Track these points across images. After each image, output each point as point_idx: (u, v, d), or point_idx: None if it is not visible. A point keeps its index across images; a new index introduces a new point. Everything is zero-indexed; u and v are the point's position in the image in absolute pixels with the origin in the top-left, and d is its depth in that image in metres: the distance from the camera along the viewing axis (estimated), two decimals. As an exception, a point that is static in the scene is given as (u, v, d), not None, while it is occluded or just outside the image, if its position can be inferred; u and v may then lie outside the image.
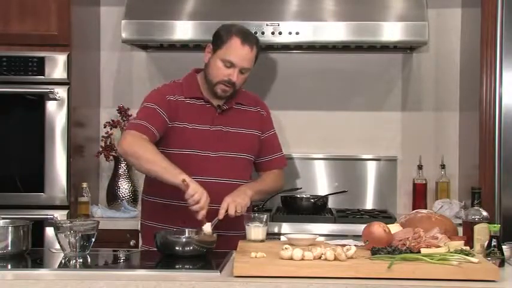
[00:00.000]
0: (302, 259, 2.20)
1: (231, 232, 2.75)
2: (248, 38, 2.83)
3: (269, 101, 3.37)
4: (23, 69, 3.60)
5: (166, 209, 2.84)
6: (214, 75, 2.83)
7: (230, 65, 2.80)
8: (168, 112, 2.83)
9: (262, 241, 2.58)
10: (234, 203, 2.68)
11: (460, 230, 2.64)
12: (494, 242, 2.33)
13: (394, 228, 2.50)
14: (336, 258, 2.20)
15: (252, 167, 3.02)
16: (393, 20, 3.63)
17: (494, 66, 3.49)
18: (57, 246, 2.46)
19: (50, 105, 3.60)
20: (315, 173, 4.05)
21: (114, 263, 2.44)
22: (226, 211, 2.67)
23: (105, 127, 3.95)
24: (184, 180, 2.57)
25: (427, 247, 2.29)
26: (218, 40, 2.84)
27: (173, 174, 2.62)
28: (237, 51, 2.79)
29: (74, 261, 2.37)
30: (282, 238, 3.25)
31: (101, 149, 3.94)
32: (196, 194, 2.57)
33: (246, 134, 2.94)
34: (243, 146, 2.92)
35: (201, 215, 2.57)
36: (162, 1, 3.72)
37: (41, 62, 3.59)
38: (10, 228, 2.40)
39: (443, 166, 3.97)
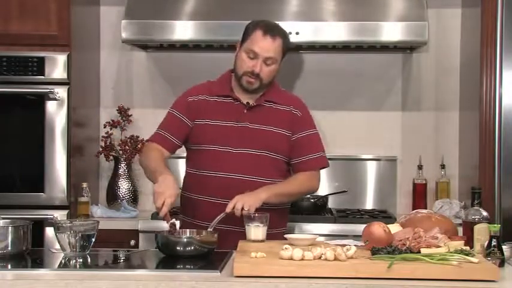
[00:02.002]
0: (302, 259, 2.20)
1: (235, 227, 2.73)
2: (271, 29, 2.86)
3: (269, 101, 3.36)
4: (23, 69, 3.59)
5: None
6: (239, 67, 2.88)
7: (253, 55, 2.83)
8: (188, 114, 2.91)
9: (262, 241, 2.58)
10: (242, 200, 2.67)
11: (460, 230, 2.64)
12: (494, 242, 2.32)
13: (394, 228, 2.50)
14: (336, 258, 2.20)
15: (284, 166, 2.95)
16: (393, 20, 3.63)
17: (494, 66, 3.49)
18: (57, 246, 2.46)
19: (50, 105, 3.59)
20: (315, 173, 4.04)
21: (114, 263, 2.43)
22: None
23: (105, 127, 3.95)
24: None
25: (427, 247, 2.29)
26: (245, 34, 2.91)
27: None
28: (258, 42, 2.83)
29: (74, 261, 2.37)
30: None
31: (101, 149, 3.93)
32: (158, 200, 2.58)
33: (272, 132, 2.89)
34: (267, 143, 2.88)
35: (162, 212, 2.58)
36: (162, 1, 3.71)
37: (41, 62, 3.59)
38: (10, 228, 2.40)
39: (443, 166, 3.97)
